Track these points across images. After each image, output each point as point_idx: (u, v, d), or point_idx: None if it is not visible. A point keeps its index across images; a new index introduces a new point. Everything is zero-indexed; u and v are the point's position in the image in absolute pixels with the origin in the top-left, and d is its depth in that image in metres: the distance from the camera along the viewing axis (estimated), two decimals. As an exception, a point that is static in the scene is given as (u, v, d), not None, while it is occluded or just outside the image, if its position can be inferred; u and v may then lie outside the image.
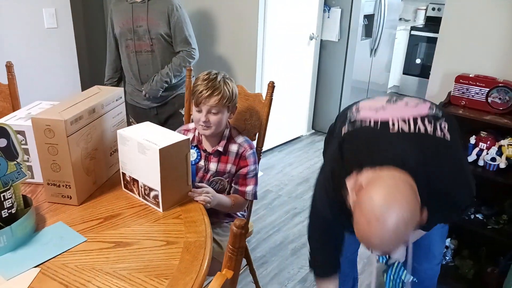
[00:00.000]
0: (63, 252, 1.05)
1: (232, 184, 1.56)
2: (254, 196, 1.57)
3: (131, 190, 1.32)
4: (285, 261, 2.30)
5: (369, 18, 3.89)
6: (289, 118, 3.82)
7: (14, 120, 1.31)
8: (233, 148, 1.52)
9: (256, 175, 1.56)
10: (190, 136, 1.46)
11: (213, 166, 1.54)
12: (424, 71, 4.96)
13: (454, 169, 1.13)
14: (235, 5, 3.13)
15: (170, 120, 2.43)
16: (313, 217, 1.37)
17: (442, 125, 1.16)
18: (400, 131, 1.12)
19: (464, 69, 2.12)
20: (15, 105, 1.84)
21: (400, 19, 5.25)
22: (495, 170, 1.88)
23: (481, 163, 1.92)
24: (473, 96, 2.00)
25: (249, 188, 1.54)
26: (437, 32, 2.25)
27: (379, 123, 1.16)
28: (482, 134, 1.97)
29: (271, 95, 1.66)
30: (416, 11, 5.48)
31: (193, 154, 1.54)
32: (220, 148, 1.51)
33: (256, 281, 1.97)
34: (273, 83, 1.66)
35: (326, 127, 4.25)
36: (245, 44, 3.17)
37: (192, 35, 2.31)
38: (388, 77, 4.67)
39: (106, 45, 2.44)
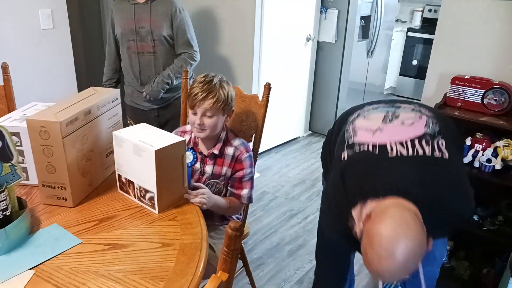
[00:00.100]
0: (58, 255, 1.04)
1: (228, 187, 1.56)
2: (249, 199, 1.57)
3: (127, 192, 1.32)
4: (282, 262, 2.30)
5: (366, 19, 3.90)
6: (286, 119, 3.82)
7: (9, 122, 1.30)
8: (229, 151, 1.52)
9: (251, 178, 1.56)
10: (186, 138, 1.46)
11: (208, 168, 1.54)
12: (420, 73, 4.98)
13: (455, 188, 1.15)
14: (232, 6, 3.13)
15: (171, 122, 2.43)
16: (320, 242, 1.41)
17: (440, 143, 1.17)
18: (399, 155, 1.14)
19: (460, 70, 2.13)
20: (10, 107, 1.83)
21: (397, 20, 5.26)
22: (490, 171, 1.88)
23: (476, 164, 1.93)
24: (469, 97, 2.01)
25: (244, 192, 1.54)
26: (434, 34, 2.26)
27: (377, 147, 1.17)
28: (477, 136, 1.98)
29: (268, 97, 1.66)
30: (413, 13, 5.50)
31: (189, 156, 1.54)
32: (216, 151, 1.51)
33: (252, 283, 1.97)
34: (269, 84, 1.66)
35: (323, 128, 4.30)
36: (242, 45, 3.17)
37: (194, 38, 2.32)
38: (385, 78, 4.69)
39: (102, 46, 2.44)
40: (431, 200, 1.05)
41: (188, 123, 1.55)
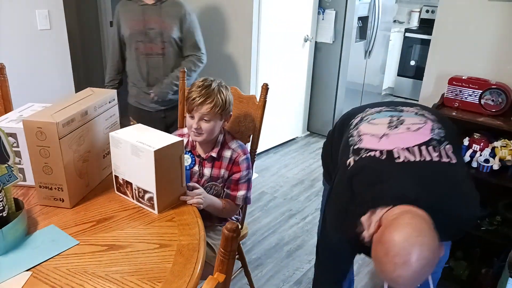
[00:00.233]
0: (55, 256, 1.04)
1: (224, 189, 1.56)
2: (246, 201, 1.57)
3: (124, 193, 1.32)
4: (280, 263, 2.30)
5: (363, 20, 3.91)
6: (284, 120, 3.82)
7: (5, 123, 1.29)
8: (227, 153, 1.52)
9: (248, 180, 1.56)
10: (184, 140, 1.45)
11: (207, 171, 1.54)
12: (418, 73, 4.99)
13: (463, 193, 1.15)
14: (229, 7, 3.13)
15: (177, 124, 2.42)
16: (323, 243, 1.41)
17: (447, 148, 1.18)
18: (406, 161, 1.14)
19: (457, 71, 2.13)
20: (7, 107, 1.83)
21: (394, 21, 5.27)
22: (488, 172, 1.89)
23: (474, 164, 1.93)
24: (466, 98, 2.01)
25: (240, 193, 1.54)
26: (431, 34, 2.26)
27: (384, 153, 1.17)
28: (475, 136, 1.98)
29: (265, 97, 1.66)
30: (410, 13, 5.51)
31: (187, 159, 1.54)
32: (214, 154, 1.51)
33: (251, 283, 1.97)
34: (266, 85, 1.66)
35: (321, 129, 4.30)
36: (240, 46, 3.17)
37: (201, 41, 2.33)
38: (383, 79, 4.69)
39: (100, 46, 2.43)
40: (440, 206, 1.05)
41: (186, 126, 1.55)
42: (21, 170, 1.29)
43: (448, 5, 2.16)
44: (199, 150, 1.55)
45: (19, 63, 2.35)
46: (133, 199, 1.29)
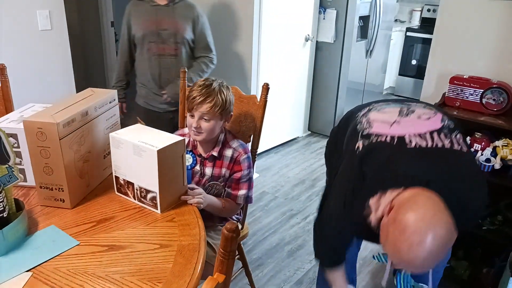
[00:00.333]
0: (55, 256, 1.04)
1: (225, 188, 1.56)
2: (247, 200, 1.57)
3: (125, 194, 1.32)
4: (281, 263, 2.30)
5: (365, 19, 3.90)
6: (285, 120, 3.82)
7: (6, 123, 1.29)
8: (228, 152, 1.52)
9: (249, 179, 1.56)
10: (185, 140, 1.45)
11: (208, 170, 1.54)
12: (420, 72, 4.98)
13: (474, 182, 1.15)
14: (230, 7, 3.13)
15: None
16: (324, 215, 1.37)
17: (458, 137, 1.18)
18: (418, 146, 1.13)
19: (458, 70, 2.13)
20: (8, 108, 1.83)
21: (396, 20, 5.26)
22: (489, 171, 1.88)
23: (476, 164, 1.93)
24: (467, 97, 2.01)
25: (241, 193, 1.54)
26: (433, 33, 2.26)
27: (395, 139, 1.16)
28: (476, 135, 1.98)
29: (266, 97, 1.66)
30: (412, 12, 5.50)
31: (188, 159, 1.54)
32: (215, 153, 1.51)
33: (252, 284, 1.97)
34: (267, 85, 1.66)
35: (322, 129, 4.30)
36: (241, 45, 3.17)
37: (212, 42, 2.35)
38: (384, 78, 4.68)
39: (101, 47, 2.43)
40: (450, 192, 1.04)
41: (186, 126, 1.55)
42: (22, 171, 1.29)
43: (449, 4, 2.16)
44: (200, 150, 1.55)
45: (20, 64, 2.35)
46: (135, 199, 1.29)
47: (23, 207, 1.14)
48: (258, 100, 1.69)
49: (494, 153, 1.90)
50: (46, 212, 1.23)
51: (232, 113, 1.53)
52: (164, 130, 1.31)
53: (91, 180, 1.35)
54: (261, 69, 3.26)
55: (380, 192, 1.06)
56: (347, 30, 3.73)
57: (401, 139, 1.16)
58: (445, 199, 1.00)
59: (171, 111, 2.38)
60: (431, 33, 2.27)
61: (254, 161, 1.71)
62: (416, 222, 0.94)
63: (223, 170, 1.53)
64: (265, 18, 3.14)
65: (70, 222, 1.19)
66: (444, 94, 2.10)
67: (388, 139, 1.17)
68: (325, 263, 1.44)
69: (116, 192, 1.34)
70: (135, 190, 1.28)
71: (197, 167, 1.55)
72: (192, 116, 1.45)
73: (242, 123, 1.73)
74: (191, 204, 1.29)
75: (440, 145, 1.13)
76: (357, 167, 1.17)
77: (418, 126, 1.20)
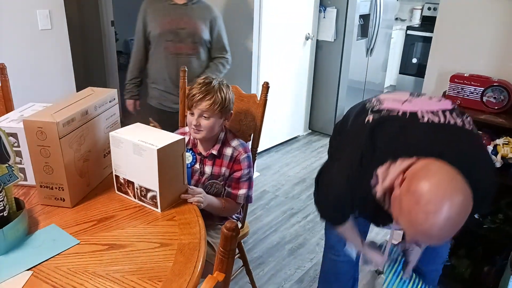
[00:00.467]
0: (55, 255, 1.04)
1: (225, 187, 1.56)
2: (247, 199, 1.57)
3: (126, 193, 1.32)
4: (282, 261, 2.30)
5: (365, 18, 3.89)
6: (286, 118, 3.81)
7: (6, 122, 1.30)
8: (228, 151, 1.52)
9: (249, 179, 1.55)
10: (185, 139, 1.46)
11: (208, 169, 1.54)
12: (420, 71, 4.97)
13: (485, 161, 1.14)
14: (230, 6, 3.13)
15: None
16: (323, 187, 1.32)
17: (469, 119, 1.18)
18: (431, 121, 1.12)
19: (459, 68, 2.12)
20: (8, 107, 1.83)
21: (396, 18, 5.26)
22: (490, 169, 1.88)
23: (476, 162, 1.92)
24: (468, 95, 2.00)
25: (241, 192, 1.54)
26: (433, 32, 2.25)
27: (407, 114, 1.15)
28: (477, 133, 1.97)
29: (266, 96, 1.66)
30: (412, 11, 5.49)
31: (188, 157, 1.54)
32: (215, 152, 1.51)
33: (252, 282, 1.97)
34: (267, 83, 1.66)
35: (323, 127, 4.30)
36: (241, 44, 3.17)
37: (227, 43, 2.36)
38: (385, 76, 4.68)
39: (101, 46, 2.42)
40: (462, 168, 1.01)
41: (187, 124, 1.55)
42: (22, 170, 1.30)
43: (450, 2, 2.15)
44: (200, 148, 1.55)
45: (20, 63, 2.35)
46: (135, 198, 1.29)
47: (24, 206, 1.14)
48: (258, 99, 1.69)
49: (494, 152, 1.89)
50: (47, 211, 1.23)
51: (232, 111, 1.53)
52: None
53: (91, 179, 1.35)
54: (262, 68, 3.26)
55: (390, 161, 1.04)
56: (348, 29, 3.73)
57: (414, 114, 1.15)
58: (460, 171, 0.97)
59: None
60: (432, 31, 2.27)
61: (254, 160, 1.71)
62: (431, 190, 0.91)
63: (223, 169, 1.53)
64: (265, 17, 3.14)
65: (70, 221, 1.19)
66: (444, 92, 2.10)
67: (400, 113, 1.16)
68: (333, 222, 1.39)
69: (116, 191, 1.34)
70: (135, 189, 1.28)
71: (197, 166, 1.55)
72: (192, 114, 1.46)
73: (242, 122, 1.73)
74: (191, 203, 1.29)
75: (452, 122, 1.13)
76: (367, 137, 1.14)
77: (430, 105, 1.19)
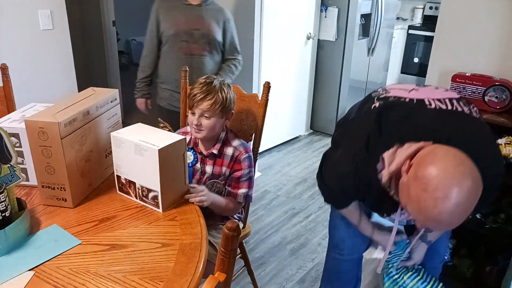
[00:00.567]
0: (57, 255, 1.04)
1: (226, 186, 1.56)
2: (247, 199, 1.57)
3: (127, 193, 1.32)
4: (284, 261, 2.30)
5: (366, 17, 3.89)
6: (287, 118, 3.81)
7: (8, 123, 1.30)
8: (229, 151, 1.52)
9: (250, 179, 1.56)
10: (187, 138, 1.46)
11: (209, 168, 1.54)
12: (422, 70, 4.96)
13: (492, 148, 1.13)
14: (231, 6, 3.12)
15: None
16: (328, 171, 1.31)
17: (475, 109, 1.18)
18: (438, 108, 1.12)
19: (460, 68, 2.12)
20: (10, 108, 1.84)
21: (398, 18, 5.24)
22: (492, 169, 1.87)
23: (478, 162, 1.92)
24: (469, 95, 2.00)
25: (241, 191, 1.54)
26: (435, 31, 2.25)
27: (415, 100, 1.15)
28: (479, 133, 1.97)
29: (267, 96, 1.66)
30: (414, 10, 5.47)
31: (189, 156, 1.54)
32: (215, 151, 1.51)
33: (254, 282, 1.97)
34: (268, 83, 1.66)
35: (324, 127, 4.29)
36: (242, 44, 3.15)
37: (239, 45, 2.38)
38: (386, 76, 4.67)
39: (103, 46, 2.42)
40: (470, 153, 0.99)
41: (188, 124, 1.56)
42: (24, 170, 1.30)
43: (451, 1, 2.15)
44: (201, 148, 1.55)
45: (21, 63, 2.36)
46: (137, 198, 1.29)
47: (25, 206, 1.14)
48: (260, 98, 1.69)
49: (496, 151, 1.89)
50: (48, 211, 1.23)
51: (233, 111, 1.53)
52: None
53: (93, 179, 1.35)
54: (263, 67, 3.26)
55: (397, 145, 1.03)
56: (349, 28, 3.73)
57: (421, 101, 1.14)
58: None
59: None
60: (433, 30, 2.26)
61: (255, 160, 1.71)
62: (438, 175, 0.90)
63: (224, 169, 1.53)
64: (267, 16, 3.14)
65: (72, 221, 1.19)
66: (446, 92, 2.10)
67: (407, 100, 1.16)
68: (338, 205, 1.39)
69: (118, 191, 1.35)
70: (137, 189, 1.28)
71: (198, 165, 1.56)
72: (193, 113, 1.46)
73: (243, 122, 1.73)
74: (193, 203, 1.29)
75: (460, 109, 1.13)
76: (374, 121, 1.13)
77: (437, 93, 1.19)
